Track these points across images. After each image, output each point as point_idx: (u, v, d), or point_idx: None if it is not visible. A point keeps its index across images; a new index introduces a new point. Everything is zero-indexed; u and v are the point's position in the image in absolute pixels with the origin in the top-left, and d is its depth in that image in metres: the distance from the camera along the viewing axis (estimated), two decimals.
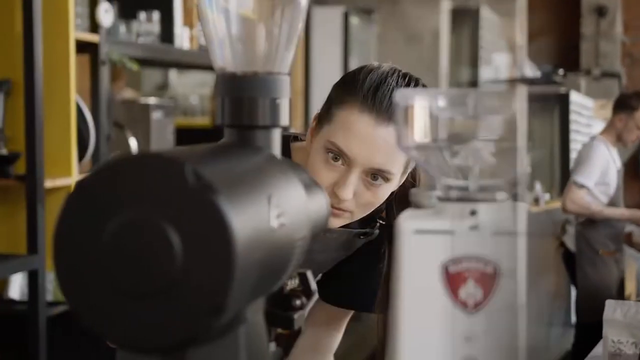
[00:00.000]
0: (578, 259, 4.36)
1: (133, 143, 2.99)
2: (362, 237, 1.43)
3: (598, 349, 2.12)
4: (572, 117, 6.99)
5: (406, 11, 5.42)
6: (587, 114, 7.39)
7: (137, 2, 3.05)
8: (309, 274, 0.91)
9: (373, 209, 1.31)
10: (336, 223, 1.31)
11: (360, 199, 1.28)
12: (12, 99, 2.43)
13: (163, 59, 3.19)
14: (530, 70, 5.77)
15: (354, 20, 5.21)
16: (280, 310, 0.85)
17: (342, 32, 5.13)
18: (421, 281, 0.68)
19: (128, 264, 0.60)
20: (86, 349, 2.37)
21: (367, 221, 1.42)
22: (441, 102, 0.69)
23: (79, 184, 0.61)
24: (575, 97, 7.03)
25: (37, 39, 2.34)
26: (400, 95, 0.70)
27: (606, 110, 8.42)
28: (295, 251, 0.73)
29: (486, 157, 0.69)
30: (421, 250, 0.68)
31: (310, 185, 0.84)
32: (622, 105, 4.39)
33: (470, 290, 0.67)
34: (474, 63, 7.31)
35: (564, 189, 4.45)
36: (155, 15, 3.06)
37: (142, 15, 3.05)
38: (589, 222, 4.38)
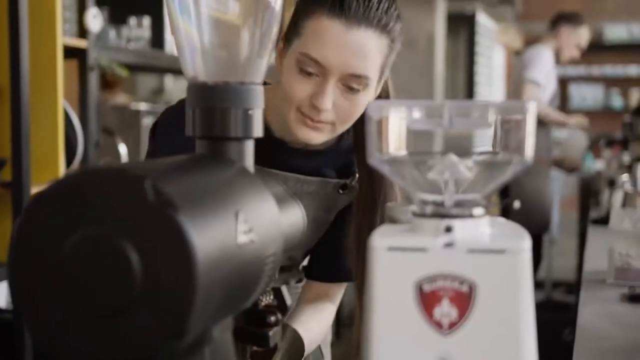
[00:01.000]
0: None
1: (123, 149, 2.97)
2: (341, 191, 1.40)
3: (600, 265, 1.93)
4: (477, 39, 7.05)
5: (402, 16, 5.37)
6: (491, 37, 7.49)
7: (127, 7, 3.03)
8: (284, 289, 0.88)
9: (353, 122, 1.28)
10: (318, 138, 1.28)
11: (339, 110, 1.25)
12: None
13: (153, 64, 3.17)
14: None
15: None
16: (254, 328, 0.83)
17: None
18: (394, 300, 0.65)
19: (85, 282, 0.57)
20: None
21: (344, 174, 1.40)
22: (416, 114, 0.66)
23: (37, 196, 0.58)
24: (481, 19, 7.06)
25: (24, 43, 2.32)
26: (373, 107, 0.67)
27: (507, 36, 8.54)
28: (267, 267, 0.70)
29: (463, 171, 0.67)
30: (395, 268, 0.65)
31: (284, 198, 0.81)
32: (568, 19, 4.49)
33: (445, 310, 0.64)
34: (470, 67, 7.32)
35: (517, 93, 4.44)
36: (146, 20, 3.04)
37: (133, 20, 3.03)
38: None
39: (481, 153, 0.68)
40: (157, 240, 0.56)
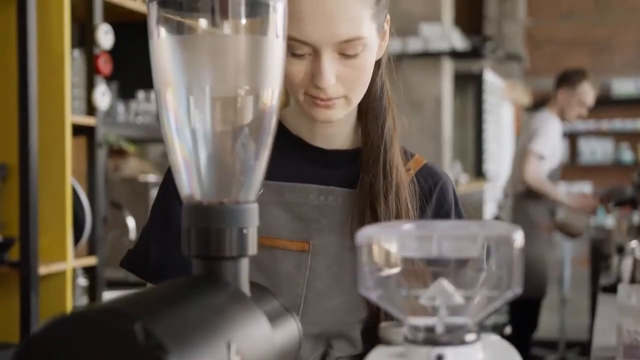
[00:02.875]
0: None
1: (131, 222, 2.98)
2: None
3: (610, 339, 1.89)
4: (485, 97, 7.08)
5: (409, 79, 5.45)
6: (498, 94, 7.54)
7: (135, 82, 3.07)
8: None
9: (367, 85, 1.17)
10: (336, 115, 1.17)
11: (346, 81, 1.14)
12: (7, 183, 2.43)
13: (161, 138, 3.20)
14: (459, 40, 5.73)
15: None
16: None
17: None
18: None
19: None
20: None
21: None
22: (405, 241, 0.67)
23: (27, 341, 0.59)
24: (488, 77, 7.11)
25: (33, 123, 2.35)
26: (362, 234, 0.68)
27: (515, 92, 8.58)
28: None
29: (454, 297, 0.67)
30: None
31: (279, 314, 0.82)
32: (564, 80, 4.49)
33: None
34: (479, 125, 7.36)
35: (519, 161, 4.39)
36: (154, 94, 3.08)
37: (141, 94, 3.07)
38: (529, 194, 4.36)
39: (472, 277, 0.69)
40: None
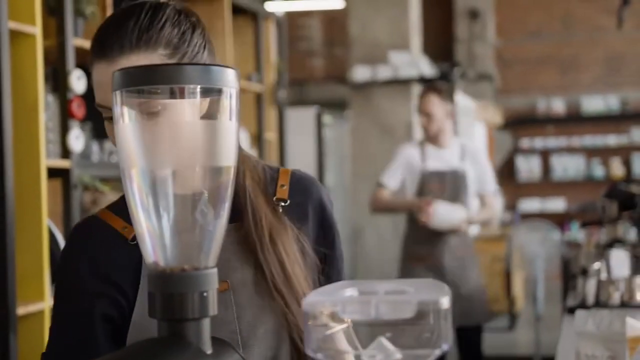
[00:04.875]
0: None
1: None
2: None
3: None
4: (457, 118, 7.20)
5: (380, 105, 5.56)
6: (470, 115, 7.65)
7: None
8: None
9: None
10: None
11: None
12: None
13: None
14: (427, 67, 5.78)
15: (327, 118, 5.34)
16: None
17: (316, 130, 5.26)
18: None
19: None
20: None
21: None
22: (345, 306, 0.75)
23: None
24: (459, 99, 7.26)
25: (9, 167, 2.41)
26: (308, 301, 0.76)
27: (487, 112, 8.70)
28: None
29: (394, 353, 0.75)
30: None
31: None
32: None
33: None
34: None
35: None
36: None
37: None
38: (406, 230, 4.25)
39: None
40: None
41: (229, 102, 0.85)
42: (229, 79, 0.86)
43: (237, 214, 1.27)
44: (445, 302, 0.73)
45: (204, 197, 0.87)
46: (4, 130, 2.42)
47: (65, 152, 2.73)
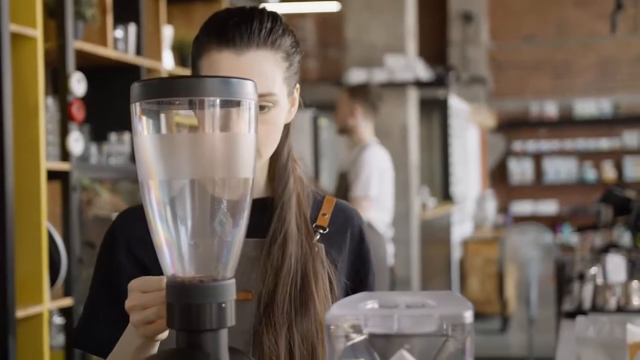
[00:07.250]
0: None
1: None
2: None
3: None
4: (450, 121, 7.25)
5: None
6: (464, 117, 7.70)
7: (108, 124, 3.14)
8: None
9: (277, 141, 1.26)
10: None
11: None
12: None
13: (134, 178, 3.27)
14: (423, 70, 5.77)
15: (323, 122, 5.33)
16: None
17: (312, 133, 5.26)
18: None
19: None
20: None
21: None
22: (367, 320, 0.75)
23: None
24: (453, 102, 7.29)
25: (9, 170, 2.41)
26: (331, 314, 0.76)
27: (480, 115, 8.71)
28: None
29: None
30: None
31: None
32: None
33: None
34: (445, 149, 7.51)
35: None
36: (126, 136, 3.15)
37: (113, 136, 3.14)
38: None
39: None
40: None
41: (248, 114, 0.86)
42: (248, 91, 0.87)
43: (268, 231, 1.27)
44: (468, 316, 0.74)
45: (222, 208, 0.87)
46: (4, 132, 2.42)
47: (65, 155, 2.72)
